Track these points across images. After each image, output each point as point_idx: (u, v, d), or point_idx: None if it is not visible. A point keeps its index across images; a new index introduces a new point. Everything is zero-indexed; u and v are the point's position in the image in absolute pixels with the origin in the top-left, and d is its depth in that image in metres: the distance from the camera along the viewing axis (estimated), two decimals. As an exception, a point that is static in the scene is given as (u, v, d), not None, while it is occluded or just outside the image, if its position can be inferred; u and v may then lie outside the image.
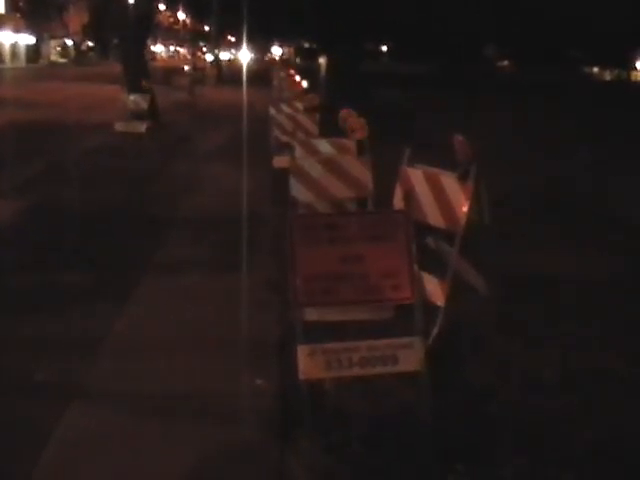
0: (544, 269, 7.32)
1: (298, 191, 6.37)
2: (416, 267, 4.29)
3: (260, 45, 73.45)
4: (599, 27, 44.02)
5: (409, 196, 4.53)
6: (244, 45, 67.04)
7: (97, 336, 5.36)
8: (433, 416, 4.18)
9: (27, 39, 66.88)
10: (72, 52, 76.47)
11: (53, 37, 73.40)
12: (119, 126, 17.71)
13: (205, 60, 58.81)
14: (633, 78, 76.08)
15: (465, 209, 5.15)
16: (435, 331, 5.13)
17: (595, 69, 79.17)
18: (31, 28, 65.68)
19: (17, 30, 63.83)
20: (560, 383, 4.85)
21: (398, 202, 5.63)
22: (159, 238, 8.15)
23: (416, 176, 5.63)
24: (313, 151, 7.89)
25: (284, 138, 10.83)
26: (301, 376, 4.06)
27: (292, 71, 28.44)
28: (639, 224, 9.78)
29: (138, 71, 20.58)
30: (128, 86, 20.06)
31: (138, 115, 18.21)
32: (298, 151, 7.83)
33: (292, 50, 62.40)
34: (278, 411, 4.36)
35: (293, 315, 4.24)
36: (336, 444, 3.98)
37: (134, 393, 4.58)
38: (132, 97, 18.49)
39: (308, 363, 4.06)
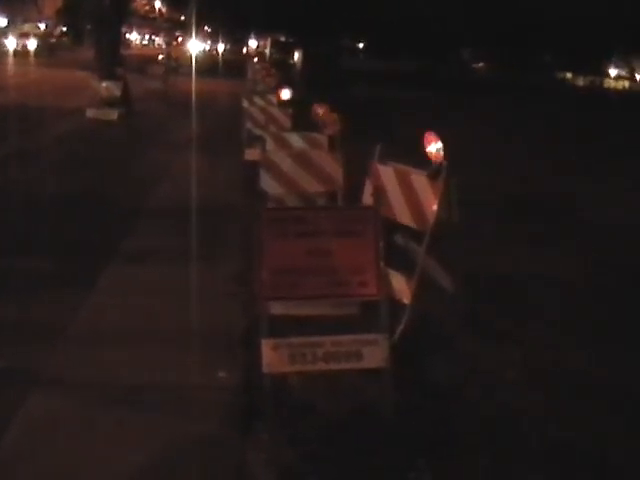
0: (512, 268, 7.37)
1: (268, 184, 6.33)
2: (383, 264, 4.28)
3: (236, 36, 72.93)
4: (573, 33, 44.38)
5: (378, 192, 4.52)
6: (219, 36, 66.61)
7: (62, 323, 5.30)
8: (396, 413, 4.18)
9: (-1, 21, 65.75)
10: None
11: (26, 20, 72.20)
12: (90, 112, 17.55)
13: (181, 49, 58.31)
14: (606, 85, 76.60)
15: (434, 208, 5.15)
16: (400, 328, 5.13)
17: (569, 74, 79.78)
18: (3, 11, 64.56)
19: (-11, 12, 62.79)
20: (526, 381, 4.89)
21: (367, 198, 5.62)
22: (127, 227, 8.05)
23: (386, 173, 5.62)
24: (285, 144, 7.85)
25: (256, 131, 10.77)
26: (265, 369, 4.05)
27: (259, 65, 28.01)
28: (607, 224, 9.90)
29: (111, 58, 20.35)
30: (100, 73, 19.83)
31: (110, 102, 18.06)
32: (270, 144, 7.80)
33: (267, 43, 62.05)
34: (241, 404, 4.34)
35: (258, 308, 4.22)
36: (298, 439, 3.96)
37: (96, 382, 4.52)
38: (104, 84, 18.31)
39: (272, 357, 4.04)
